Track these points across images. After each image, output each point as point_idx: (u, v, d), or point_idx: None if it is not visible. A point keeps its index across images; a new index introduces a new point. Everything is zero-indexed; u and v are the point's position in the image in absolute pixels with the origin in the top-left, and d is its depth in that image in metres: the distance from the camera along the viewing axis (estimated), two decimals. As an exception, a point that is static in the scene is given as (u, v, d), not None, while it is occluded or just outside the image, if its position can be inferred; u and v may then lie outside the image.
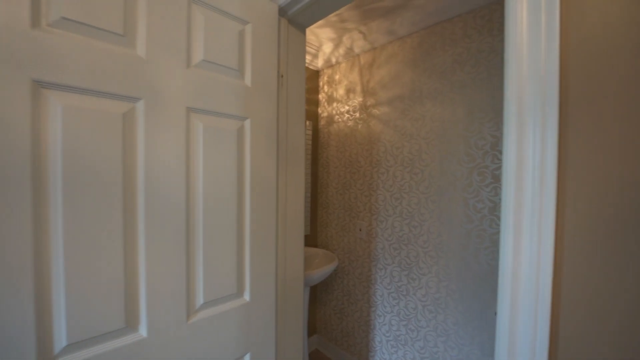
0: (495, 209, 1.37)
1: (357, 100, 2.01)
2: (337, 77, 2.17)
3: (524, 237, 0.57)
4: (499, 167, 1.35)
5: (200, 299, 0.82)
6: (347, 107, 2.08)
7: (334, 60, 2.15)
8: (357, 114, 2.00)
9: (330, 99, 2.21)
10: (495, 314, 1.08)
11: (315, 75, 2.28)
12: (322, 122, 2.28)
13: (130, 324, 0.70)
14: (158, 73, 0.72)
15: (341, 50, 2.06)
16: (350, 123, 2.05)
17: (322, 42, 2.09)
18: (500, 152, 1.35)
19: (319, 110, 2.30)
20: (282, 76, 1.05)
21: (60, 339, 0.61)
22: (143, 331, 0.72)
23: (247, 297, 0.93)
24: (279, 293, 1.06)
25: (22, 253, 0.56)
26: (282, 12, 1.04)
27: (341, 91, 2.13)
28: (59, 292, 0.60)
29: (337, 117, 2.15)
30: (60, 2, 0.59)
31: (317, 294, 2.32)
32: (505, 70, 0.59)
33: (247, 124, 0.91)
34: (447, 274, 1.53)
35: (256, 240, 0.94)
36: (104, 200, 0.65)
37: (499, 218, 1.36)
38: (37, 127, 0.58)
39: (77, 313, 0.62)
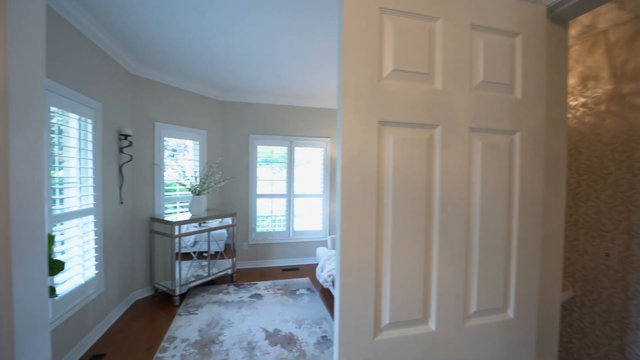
0: None
1: (601, 89, 1.59)
2: (563, 65, 1.79)
3: None
4: None
5: (473, 307, 0.87)
6: (581, 100, 1.69)
7: (558, 45, 1.79)
8: (603, 107, 1.58)
9: (552, 93, 1.85)
10: None
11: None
12: (537, 121, 1.95)
13: (425, 316, 0.83)
14: (449, 101, 0.82)
15: (573, 31, 1.69)
16: (588, 119, 1.65)
17: (543, 27, 1.78)
18: None
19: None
20: (545, 81, 0.96)
21: (385, 317, 0.80)
22: (432, 325, 0.83)
23: (510, 313, 0.91)
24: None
25: (370, 249, 0.77)
26: (549, 11, 0.95)
27: (571, 81, 1.75)
28: (386, 282, 0.79)
29: (563, 113, 1.78)
30: (392, 59, 0.78)
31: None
32: None
33: (517, 137, 0.89)
34: None
35: (522, 256, 0.90)
36: (414, 206, 0.80)
37: None
38: (379, 152, 0.78)
39: (395, 300, 0.80)
